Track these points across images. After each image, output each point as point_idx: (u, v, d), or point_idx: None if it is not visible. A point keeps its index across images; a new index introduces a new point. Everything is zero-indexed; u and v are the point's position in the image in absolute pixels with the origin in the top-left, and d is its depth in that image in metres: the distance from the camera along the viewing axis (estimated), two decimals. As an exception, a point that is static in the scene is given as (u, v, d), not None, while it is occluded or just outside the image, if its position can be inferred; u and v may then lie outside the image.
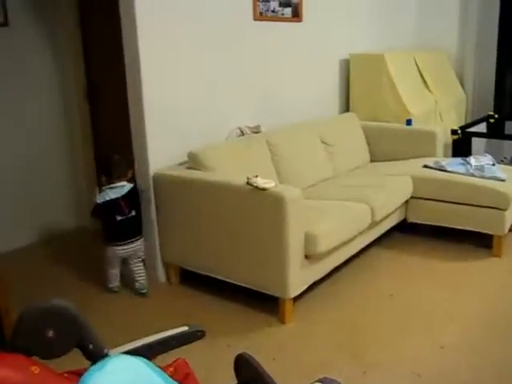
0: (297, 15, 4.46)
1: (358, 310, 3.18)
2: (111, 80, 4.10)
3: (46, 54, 4.33)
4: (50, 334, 1.38)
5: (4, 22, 4.00)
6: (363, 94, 5.00)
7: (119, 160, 3.33)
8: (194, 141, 3.55)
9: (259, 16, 4.09)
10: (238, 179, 3.05)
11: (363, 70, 4.97)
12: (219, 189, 3.15)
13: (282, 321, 3.06)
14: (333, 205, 3.50)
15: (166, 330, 1.59)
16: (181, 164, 3.50)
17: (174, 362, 1.46)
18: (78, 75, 4.42)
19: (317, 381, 1.23)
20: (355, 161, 4.60)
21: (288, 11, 4.38)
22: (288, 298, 3.02)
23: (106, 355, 1.44)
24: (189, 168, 3.40)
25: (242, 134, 3.91)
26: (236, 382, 1.50)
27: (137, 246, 3.38)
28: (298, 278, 3.02)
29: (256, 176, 2.96)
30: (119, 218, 3.28)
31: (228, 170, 3.33)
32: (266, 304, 3.14)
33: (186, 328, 1.55)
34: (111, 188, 3.28)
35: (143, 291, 3.43)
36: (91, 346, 1.43)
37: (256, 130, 3.95)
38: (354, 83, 5.06)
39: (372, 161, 4.77)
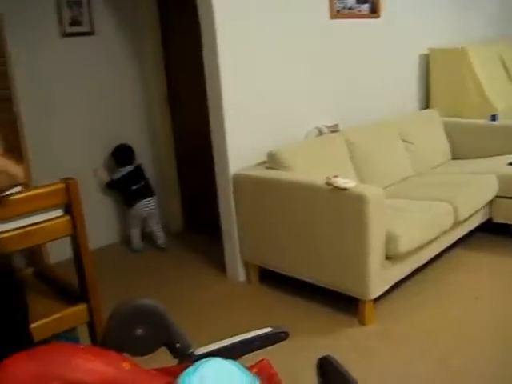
0: (374, 11, 4.39)
1: (441, 313, 3.10)
2: (191, 83, 4.20)
3: (129, 60, 4.49)
4: (140, 332, 1.43)
5: (90, 31, 4.19)
6: (444, 90, 4.85)
7: (130, 149, 4.33)
8: (272, 141, 3.57)
9: (336, 14, 4.06)
10: (318, 179, 3.04)
11: (444, 65, 4.82)
12: (298, 189, 3.15)
13: (363, 322, 3.02)
14: (414, 204, 3.42)
15: (248, 330, 1.61)
16: (260, 164, 3.53)
17: (258, 362, 1.47)
18: (159, 80, 4.54)
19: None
20: (436, 159, 4.47)
21: (365, 7, 4.32)
22: (368, 299, 2.98)
23: (192, 354, 1.48)
24: (268, 168, 3.42)
25: (320, 133, 3.90)
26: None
27: (152, 205, 4.31)
28: (378, 278, 2.97)
29: (336, 176, 2.94)
30: (134, 186, 4.25)
31: (307, 170, 3.32)
32: (346, 305, 3.12)
33: (269, 329, 1.56)
34: (123, 169, 4.26)
35: (163, 246, 4.36)
36: (178, 345, 1.47)
37: (334, 129, 3.92)
38: (434, 79, 4.92)
39: (454, 158, 4.62)
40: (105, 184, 4.36)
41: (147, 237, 4.48)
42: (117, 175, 4.28)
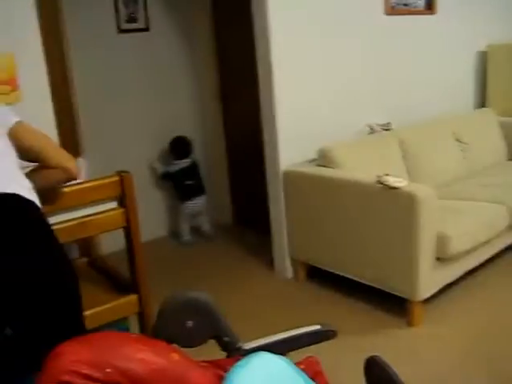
0: (430, 7, 4.31)
1: (491, 318, 3.02)
2: (243, 80, 4.23)
3: (182, 56, 4.56)
4: (189, 324, 1.46)
5: (146, 27, 4.27)
6: (502, 88, 4.70)
7: (188, 142, 4.41)
8: (323, 138, 3.56)
9: (391, 10, 4.00)
10: (368, 177, 3.01)
11: (504, 62, 4.67)
12: (349, 186, 3.13)
13: (411, 323, 2.98)
14: (467, 205, 3.35)
15: (294, 327, 1.61)
16: (310, 161, 3.52)
17: (306, 359, 1.48)
18: (212, 76, 4.59)
19: None
20: (491, 159, 4.35)
21: (421, 3, 4.25)
22: (417, 300, 2.94)
23: (241, 348, 1.50)
24: (319, 165, 3.41)
25: (372, 131, 3.86)
26: None
27: (202, 203, 4.42)
28: (428, 280, 2.93)
29: (387, 174, 2.90)
30: (187, 182, 4.35)
31: (358, 168, 3.30)
32: (395, 305, 3.08)
33: (318, 327, 1.57)
34: (179, 162, 4.35)
35: (210, 233, 4.51)
36: (226, 339, 1.50)
37: (386, 128, 3.87)
38: (492, 76, 4.78)
39: (510, 159, 4.49)
40: (160, 174, 4.44)
41: (195, 231, 4.54)
42: (173, 167, 4.37)
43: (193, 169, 4.40)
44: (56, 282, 1.60)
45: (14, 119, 1.81)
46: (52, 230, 1.67)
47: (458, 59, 4.68)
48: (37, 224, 1.62)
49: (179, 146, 4.39)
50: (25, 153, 1.79)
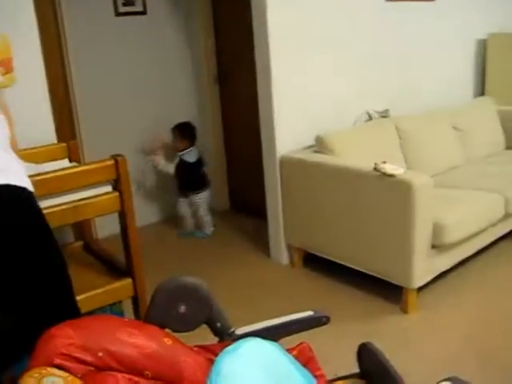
0: (430, -6, 4.27)
1: (485, 306, 3.03)
2: (240, 65, 4.20)
3: (180, 40, 4.52)
4: (183, 309, 1.46)
5: (143, 11, 4.23)
6: (502, 77, 4.68)
7: (194, 127, 4.22)
8: (321, 125, 3.54)
9: (391, -4, 3.96)
10: (365, 164, 3.00)
11: (504, 51, 4.64)
12: (346, 173, 3.12)
13: (405, 310, 2.99)
14: (463, 194, 3.35)
15: (289, 313, 1.61)
16: (307, 148, 3.51)
17: (298, 345, 1.48)
18: (209, 61, 4.55)
19: (446, 379, 1.19)
20: (489, 148, 4.34)
21: (421, -11, 4.20)
22: (412, 287, 2.95)
23: (233, 334, 1.50)
24: (316, 152, 3.40)
25: (370, 118, 3.84)
26: (358, 370, 1.49)
27: (205, 197, 4.23)
28: (423, 267, 2.93)
29: (384, 162, 2.90)
30: (191, 177, 4.19)
31: (355, 155, 3.28)
32: (389, 292, 3.09)
33: (311, 313, 1.57)
34: (188, 152, 4.13)
35: (208, 233, 4.27)
36: (219, 324, 1.50)
37: (384, 115, 3.86)
38: (491, 65, 4.75)
39: (508, 148, 4.48)
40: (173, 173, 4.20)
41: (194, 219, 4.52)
42: (187, 157, 4.12)
43: (198, 165, 4.20)
44: (45, 264, 1.61)
45: None
46: (42, 220, 1.66)
47: (458, 47, 4.65)
48: (28, 217, 1.61)
49: (186, 132, 4.15)
50: None
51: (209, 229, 4.30)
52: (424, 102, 4.23)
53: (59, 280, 1.67)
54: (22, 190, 1.60)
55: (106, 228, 3.73)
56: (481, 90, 4.89)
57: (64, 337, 1.21)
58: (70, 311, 1.67)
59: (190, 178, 4.21)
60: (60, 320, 1.28)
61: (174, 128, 4.18)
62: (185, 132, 4.15)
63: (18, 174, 1.63)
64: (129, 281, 2.35)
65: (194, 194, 4.19)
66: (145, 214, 4.31)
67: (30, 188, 1.65)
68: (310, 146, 3.49)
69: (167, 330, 1.44)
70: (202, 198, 4.22)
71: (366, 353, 1.44)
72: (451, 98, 4.52)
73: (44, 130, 2.66)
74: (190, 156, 4.14)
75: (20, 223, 1.56)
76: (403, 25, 4.10)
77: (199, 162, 4.21)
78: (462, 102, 4.58)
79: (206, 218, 4.28)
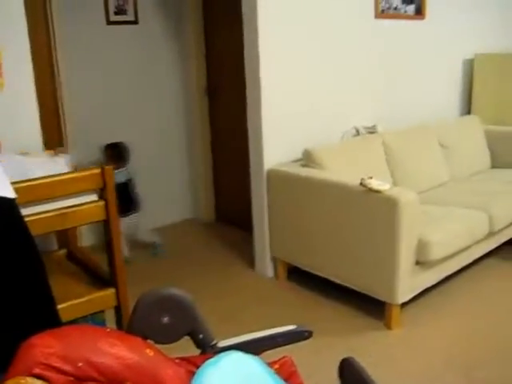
0: (420, 12, 4.33)
1: (468, 323, 3.05)
2: (231, 77, 4.21)
3: (171, 51, 4.53)
4: (165, 320, 1.45)
5: (134, 20, 4.24)
6: (488, 96, 4.75)
7: (127, 148, 4.06)
8: (309, 139, 3.56)
9: (380, 13, 4.01)
10: (352, 179, 3.01)
11: (490, 71, 4.71)
12: (332, 188, 3.13)
13: (388, 326, 2.99)
14: (448, 211, 3.37)
15: (272, 326, 1.61)
16: (295, 161, 3.52)
17: (281, 359, 1.48)
18: (199, 71, 4.56)
19: None
20: (474, 166, 4.39)
21: (411, 8, 4.26)
22: (396, 303, 2.95)
23: (215, 346, 1.49)
24: (303, 165, 3.41)
25: (358, 133, 3.87)
26: (340, 385, 1.49)
27: (135, 219, 4.03)
28: (407, 283, 2.94)
29: (370, 177, 2.91)
30: (120, 197, 3.74)
31: (342, 170, 3.31)
32: (373, 307, 3.09)
33: (293, 327, 1.56)
34: (117, 173, 3.68)
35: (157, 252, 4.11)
36: (201, 336, 1.49)
37: (372, 130, 3.88)
38: (478, 84, 4.82)
39: (493, 167, 4.53)
40: None
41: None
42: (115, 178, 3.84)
43: (126, 187, 3.99)
44: (25, 272, 1.59)
45: None
46: (23, 227, 1.65)
47: (445, 65, 4.71)
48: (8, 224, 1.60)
49: (115, 152, 4.00)
50: None
51: (158, 244, 4.13)
52: (411, 118, 4.27)
53: (39, 288, 1.66)
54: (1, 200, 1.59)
55: (89, 237, 3.72)
56: (467, 109, 4.95)
57: (44, 346, 1.19)
58: (50, 320, 1.65)
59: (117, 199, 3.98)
60: (40, 329, 1.26)
61: (106, 147, 4.05)
62: (114, 152, 4.01)
63: None
64: (112, 290, 2.33)
65: (125, 216, 3.92)
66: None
67: (11, 195, 1.63)
68: (298, 160, 3.50)
69: (149, 341, 1.43)
70: (132, 220, 4.01)
71: (347, 368, 1.44)
72: (438, 115, 4.57)
73: (31, 137, 2.64)
74: (119, 176, 3.75)
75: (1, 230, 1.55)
76: (392, 42, 4.15)
77: (127, 184, 4.02)
78: (448, 120, 4.63)
79: (148, 238, 4.14)
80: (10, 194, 1.63)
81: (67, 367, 1.19)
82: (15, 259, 1.58)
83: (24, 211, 1.71)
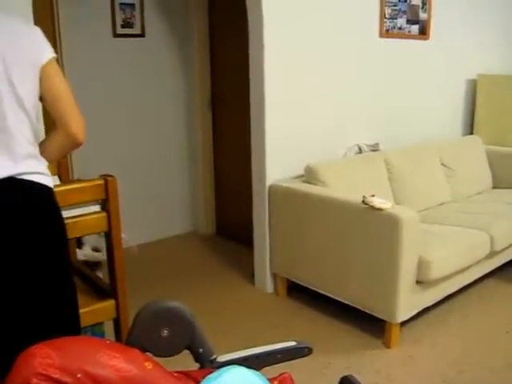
0: (424, 33, 4.36)
1: (468, 344, 3.03)
2: (235, 91, 4.24)
3: (177, 64, 4.56)
4: (165, 333, 1.44)
5: (141, 33, 4.28)
6: (490, 117, 4.76)
7: None
8: (311, 155, 3.57)
9: (385, 33, 4.04)
10: (354, 197, 3.02)
11: (493, 92, 4.74)
12: (334, 205, 3.13)
13: (387, 345, 2.98)
14: (449, 231, 3.37)
15: (271, 342, 1.60)
16: (297, 177, 3.52)
17: (280, 375, 1.47)
18: (203, 84, 4.60)
19: None
20: (476, 186, 4.39)
21: (415, 28, 4.29)
22: (395, 322, 2.94)
23: (215, 361, 1.48)
24: (305, 182, 3.42)
25: (360, 151, 3.88)
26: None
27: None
28: (407, 302, 2.93)
29: (372, 195, 2.91)
30: None
31: (344, 187, 3.31)
32: (373, 326, 3.08)
33: (293, 343, 1.56)
34: None
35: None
36: (201, 350, 1.48)
37: (374, 148, 3.89)
38: (480, 105, 4.84)
39: (495, 187, 4.53)
40: None
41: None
42: None
43: None
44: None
45: (48, 54, 1.72)
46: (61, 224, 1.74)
47: (449, 86, 4.73)
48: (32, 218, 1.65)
49: None
50: (45, 95, 1.74)
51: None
52: (414, 138, 4.29)
53: (68, 285, 1.70)
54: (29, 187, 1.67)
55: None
56: (469, 129, 4.96)
57: (43, 356, 1.19)
58: (73, 327, 1.69)
59: None
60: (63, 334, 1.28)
61: None
62: None
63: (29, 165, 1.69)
64: (112, 302, 2.32)
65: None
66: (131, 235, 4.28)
67: (40, 179, 1.70)
68: (300, 176, 3.51)
69: (148, 353, 1.42)
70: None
71: (347, 386, 1.43)
72: (441, 135, 4.58)
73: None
74: None
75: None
76: (396, 62, 4.17)
77: None
78: (451, 139, 4.64)
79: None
80: (49, 183, 1.72)
81: (66, 378, 1.18)
82: (50, 251, 1.63)
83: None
